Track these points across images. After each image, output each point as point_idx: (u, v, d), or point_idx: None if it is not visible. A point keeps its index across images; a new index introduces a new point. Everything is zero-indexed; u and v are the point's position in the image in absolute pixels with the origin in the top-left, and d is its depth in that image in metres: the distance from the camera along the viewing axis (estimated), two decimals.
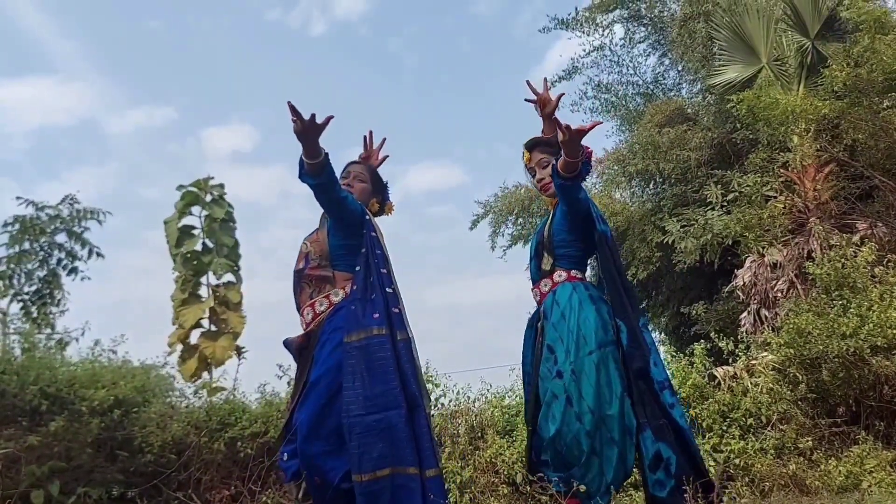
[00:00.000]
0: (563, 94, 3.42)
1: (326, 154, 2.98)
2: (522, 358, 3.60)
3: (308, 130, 2.88)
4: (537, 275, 3.55)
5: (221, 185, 9.32)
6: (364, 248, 3.19)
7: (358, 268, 3.17)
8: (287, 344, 3.31)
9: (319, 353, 3.08)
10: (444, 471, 5.58)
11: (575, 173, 3.14)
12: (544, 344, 3.34)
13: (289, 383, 6.70)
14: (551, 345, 3.29)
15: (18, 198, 9.59)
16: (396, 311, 3.12)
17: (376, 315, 3.01)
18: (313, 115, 2.84)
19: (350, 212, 3.21)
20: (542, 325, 3.41)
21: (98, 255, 9.91)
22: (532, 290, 3.60)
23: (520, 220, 12.23)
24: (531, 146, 3.54)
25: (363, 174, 3.54)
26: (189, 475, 5.79)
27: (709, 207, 8.77)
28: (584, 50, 12.80)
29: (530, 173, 3.60)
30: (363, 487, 2.77)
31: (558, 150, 3.18)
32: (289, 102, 2.85)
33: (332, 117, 2.89)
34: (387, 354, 2.94)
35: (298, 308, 3.28)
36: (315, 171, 2.98)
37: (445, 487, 3.16)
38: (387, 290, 3.13)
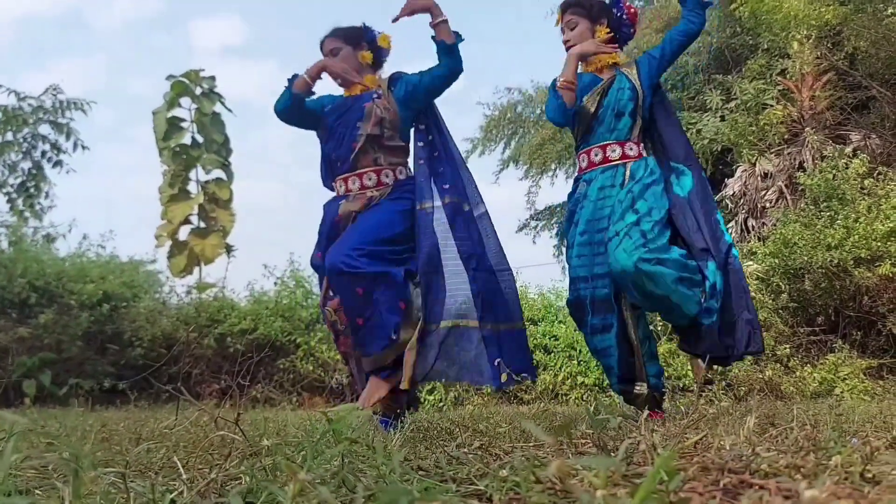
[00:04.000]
0: None
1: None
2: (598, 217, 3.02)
3: None
4: (614, 134, 3.08)
5: (212, 78, 9.02)
6: (423, 125, 3.15)
7: (421, 143, 3.13)
8: (334, 212, 3.00)
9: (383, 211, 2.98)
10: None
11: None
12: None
13: (276, 283, 6.75)
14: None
15: None
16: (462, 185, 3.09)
17: (446, 186, 3.01)
18: None
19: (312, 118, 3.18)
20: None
21: (83, 147, 9.76)
22: (604, 146, 3.07)
23: (511, 141, 12.25)
24: (564, 8, 3.40)
25: (334, 43, 3.15)
26: (179, 369, 5.91)
27: (706, 113, 8.65)
28: None
29: (562, 32, 3.46)
30: (435, 335, 2.83)
31: (591, 13, 3.18)
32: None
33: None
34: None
35: (350, 168, 3.02)
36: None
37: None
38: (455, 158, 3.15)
